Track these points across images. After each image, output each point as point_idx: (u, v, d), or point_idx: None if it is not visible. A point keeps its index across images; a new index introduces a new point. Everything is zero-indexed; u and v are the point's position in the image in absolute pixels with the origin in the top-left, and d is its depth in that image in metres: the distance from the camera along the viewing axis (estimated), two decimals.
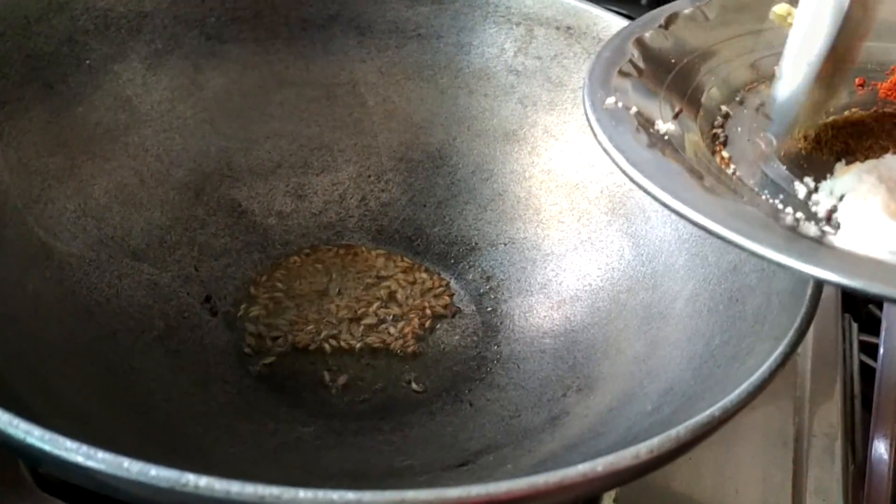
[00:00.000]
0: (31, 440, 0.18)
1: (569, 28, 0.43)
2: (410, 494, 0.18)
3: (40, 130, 0.35)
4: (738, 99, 0.32)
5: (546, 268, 0.40)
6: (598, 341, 0.35)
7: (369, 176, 0.44)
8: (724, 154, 0.29)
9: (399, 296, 0.40)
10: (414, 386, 0.36)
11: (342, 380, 0.36)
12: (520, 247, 0.42)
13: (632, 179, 0.26)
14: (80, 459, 0.18)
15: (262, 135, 0.43)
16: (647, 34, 0.33)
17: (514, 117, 0.44)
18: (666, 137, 0.28)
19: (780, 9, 0.36)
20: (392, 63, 0.45)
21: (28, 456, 0.19)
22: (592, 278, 0.39)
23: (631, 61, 0.32)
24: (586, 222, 0.41)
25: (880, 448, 0.39)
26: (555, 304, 0.39)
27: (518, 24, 0.44)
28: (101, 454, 0.18)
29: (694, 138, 0.29)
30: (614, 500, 0.32)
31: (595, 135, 0.28)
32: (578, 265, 0.40)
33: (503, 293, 0.40)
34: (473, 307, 0.40)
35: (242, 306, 0.39)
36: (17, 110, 0.34)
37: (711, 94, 0.32)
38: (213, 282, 0.39)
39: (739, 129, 0.31)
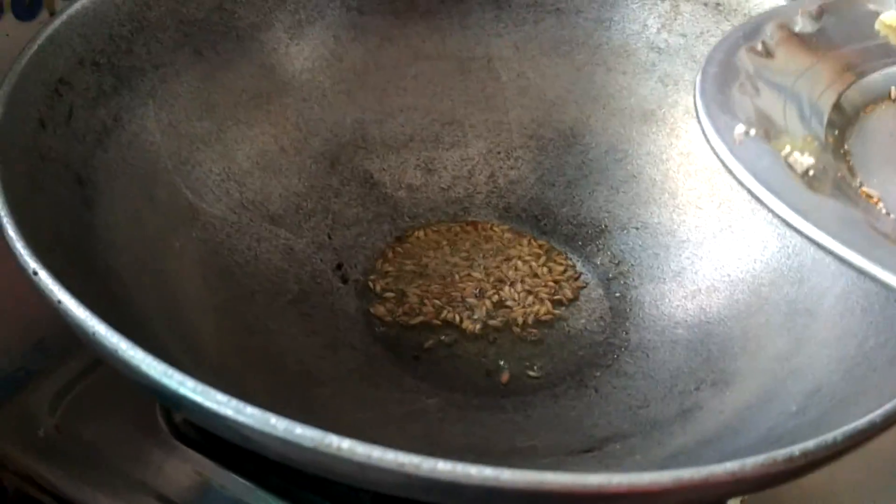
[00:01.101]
0: (183, 391, 0.19)
1: (718, 4, 0.41)
2: (550, 477, 0.17)
3: (190, 95, 0.37)
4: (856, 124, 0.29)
5: (681, 255, 0.39)
6: (736, 335, 0.34)
7: (499, 152, 0.44)
8: (869, 191, 0.25)
9: (526, 276, 0.40)
10: (534, 370, 0.36)
11: (466, 355, 0.36)
12: (653, 231, 0.40)
13: (810, 239, 0.21)
14: (229, 413, 0.19)
15: (396, 107, 0.43)
16: (756, 46, 0.29)
17: (653, 97, 0.42)
18: (811, 173, 0.24)
19: (889, 18, 0.32)
20: (528, 38, 0.44)
21: (178, 405, 0.20)
22: (731, 268, 0.37)
23: (749, 78, 0.28)
24: (727, 209, 0.39)
25: None
26: (689, 293, 0.37)
27: (663, 0, 0.42)
28: (249, 409, 0.19)
29: (837, 172, 0.25)
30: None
31: (739, 180, 0.24)
32: (717, 254, 0.38)
33: (633, 279, 0.39)
34: (601, 291, 0.39)
35: (372, 276, 0.39)
36: (170, 74, 0.36)
37: (832, 117, 0.28)
38: (345, 250, 0.40)
39: (872, 158, 0.27)
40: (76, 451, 0.35)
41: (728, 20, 0.41)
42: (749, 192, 0.23)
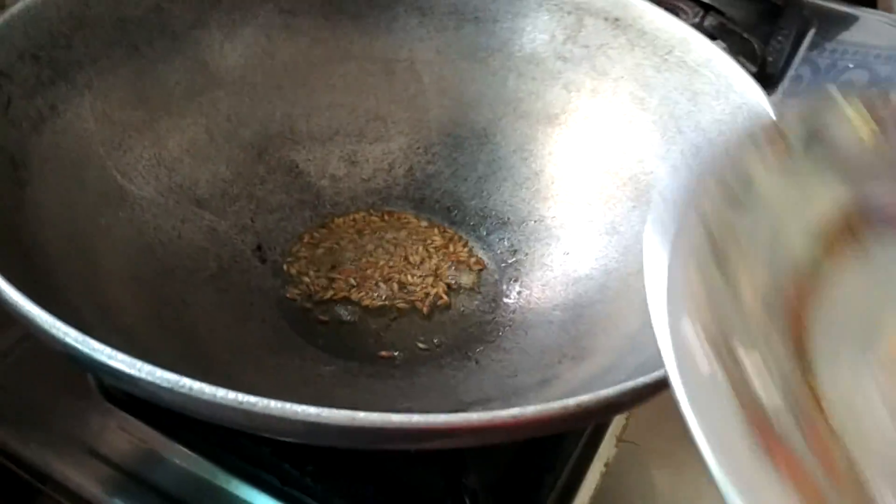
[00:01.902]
0: (68, 340, 0.23)
1: (616, 19, 0.45)
2: (360, 416, 0.21)
3: (125, 86, 0.40)
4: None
5: (569, 246, 0.43)
6: (601, 317, 0.38)
7: (418, 148, 0.48)
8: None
9: (430, 261, 0.44)
10: (426, 344, 0.40)
11: (367, 330, 0.40)
12: (548, 225, 0.44)
13: None
14: (104, 359, 0.23)
15: (324, 103, 0.47)
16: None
17: (557, 102, 0.46)
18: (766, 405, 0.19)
19: None
20: (449, 43, 0.48)
21: (75, 359, 0.24)
22: (608, 259, 0.41)
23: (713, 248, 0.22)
24: (612, 206, 0.43)
25: None
26: (571, 280, 0.41)
27: (569, 13, 0.46)
28: (121, 356, 0.22)
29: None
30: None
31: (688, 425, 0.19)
32: (598, 246, 0.42)
33: (526, 266, 0.43)
34: (497, 277, 0.43)
35: (289, 258, 0.43)
36: (106, 67, 0.39)
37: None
38: (266, 233, 0.44)
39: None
40: (15, 409, 0.39)
41: (624, 34, 0.45)
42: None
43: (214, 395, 0.22)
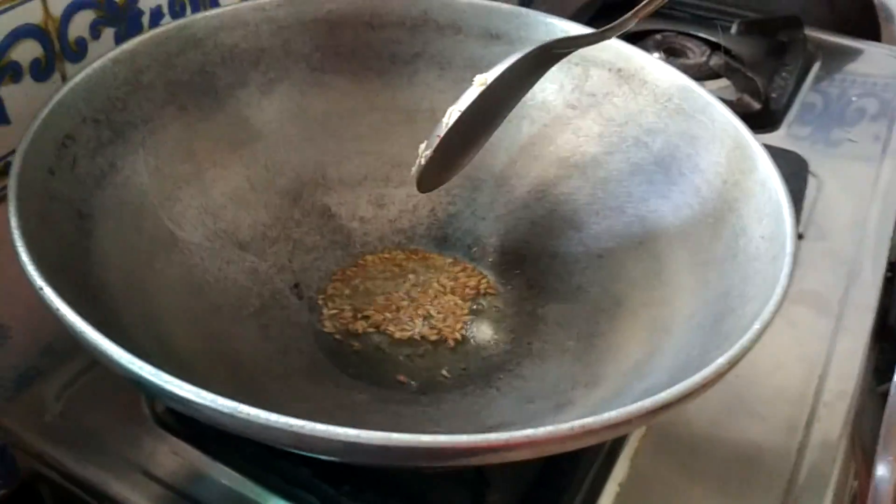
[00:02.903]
0: (143, 374, 0.27)
1: (619, 70, 0.48)
2: (395, 436, 0.25)
3: (174, 143, 0.44)
4: None
5: (582, 279, 0.46)
6: (612, 346, 0.41)
7: (440, 191, 0.51)
8: None
9: (454, 294, 0.47)
10: (450, 372, 0.43)
11: (396, 359, 0.43)
12: (562, 260, 0.48)
13: None
14: (175, 389, 0.26)
15: (353, 151, 0.51)
16: None
17: (567, 145, 0.50)
18: None
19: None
20: None
21: (140, 385, 0.28)
22: (617, 291, 0.44)
23: None
24: (620, 242, 0.46)
25: (883, 470, 0.43)
26: (585, 312, 0.44)
27: (577, 65, 0.50)
28: (187, 386, 0.26)
29: None
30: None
31: None
32: (608, 280, 0.45)
33: (542, 299, 0.46)
34: (515, 309, 0.47)
35: (323, 294, 0.47)
36: (158, 127, 0.43)
37: None
38: (302, 272, 0.47)
39: None
40: (77, 434, 0.43)
41: (627, 83, 0.48)
42: None
43: (268, 420, 0.25)
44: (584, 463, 0.41)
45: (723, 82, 0.73)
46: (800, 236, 0.55)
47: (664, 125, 0.46)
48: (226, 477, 0.41)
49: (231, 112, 0.47)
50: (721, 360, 0.29)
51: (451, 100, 0.52)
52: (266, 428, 0.25)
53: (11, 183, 0.33)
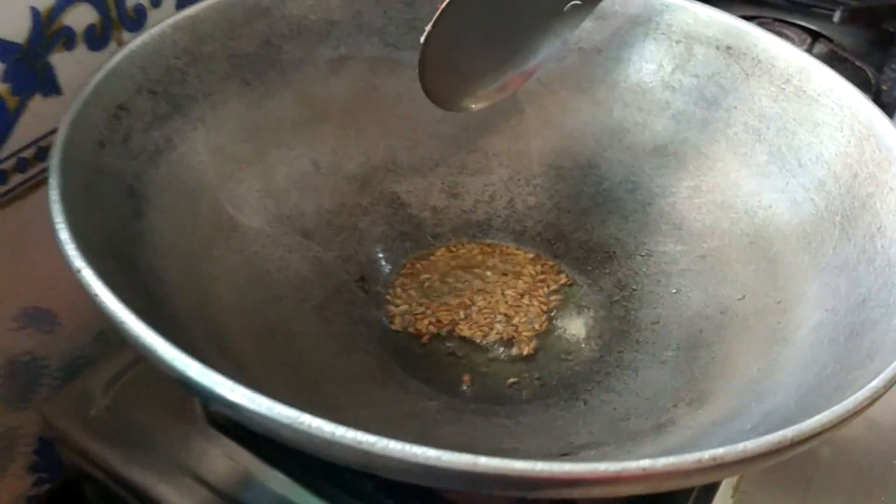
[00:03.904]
0: (189, 372, 0.23)
1: (728, 48, 0.43)
2: (482, 461, 0.20)
3: (236, 120, 0.41)
4: None
5: (680, 282, 0.41)
6: (719, 359, 0.36)
7: (519, 180, 0.47)
8: None
9: (534, 295, 0.42)
10: (529, 382, 0.38)
11: (470, 364, 0.39)
12: (657, 259, 0.43)
13: None
14: (225, 393, 0.22)
15: (426, 135, 0.47)
16: None
17: (665, 132, 0.45)
18: None
19: None
20: (552, 74, 0.47)
21: (186, 385, 0.24)
22: (724, 298, 0.39)
23: None
24: (727, 241, 0.41)
25: None
26: (683, 319, 0.39)
27: (678, 42, 0.45)
28: (241, 389, 0.22)
29: None
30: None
31: None
32: (713, 283, 0.40)
33: (634, 302, 0.42)
34: (604, 313, 0.42)
35: (391, 289, 0.43)
36: (219, 101, 0.40)
37: None
38: (369, 264, 0.43)
39: None
40: (124, 431, 0.40)
41: (738, 63, 0.43)
42: None
43: (334, 434, 0.21)
44: (678, 498, 0.36)
45: None
46: None
47: (781, 110, 0.41)
48: (280, 485, 0.38)
49: (297, 89, 0.44)
50: (876, 384, 0.24)
51: (534, 80, 0.47)
52: (331, 443, 0.21)
53: (55, 152, 0.30)
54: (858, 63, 0.64)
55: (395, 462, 0.21)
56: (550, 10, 0.39)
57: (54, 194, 0.28)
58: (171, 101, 0.38)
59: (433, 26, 0.35)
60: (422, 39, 0.36)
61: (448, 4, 0.35)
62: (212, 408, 0.24)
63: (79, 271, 0.26)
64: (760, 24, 0.74)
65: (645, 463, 0.21)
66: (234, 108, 0.41)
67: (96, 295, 0.25)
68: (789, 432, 0.22)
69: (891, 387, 0.25)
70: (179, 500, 0.37)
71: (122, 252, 0.31)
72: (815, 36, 0.72)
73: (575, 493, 0.22)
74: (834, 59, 0.66)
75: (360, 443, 0.21)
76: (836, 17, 0.73)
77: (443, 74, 0.36)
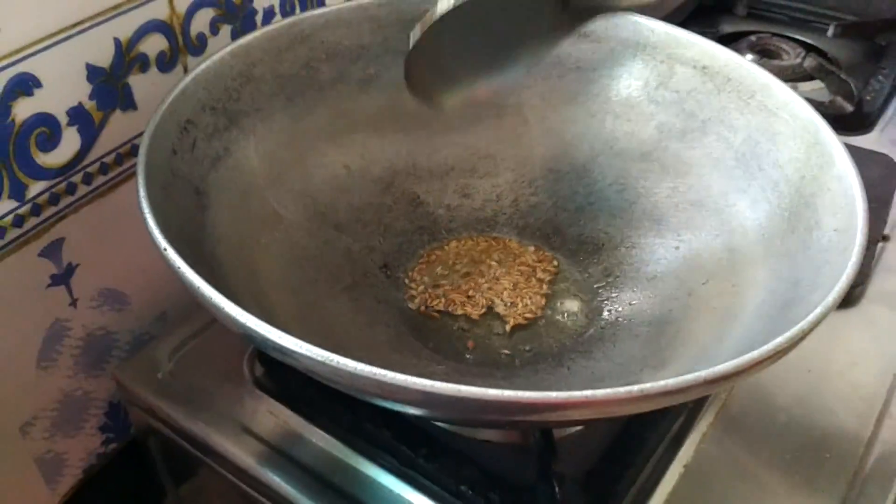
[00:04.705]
0: (251, 324, 0.30)
1: (704, 67, 0.50)
2: (464, 388, 0.28)
3: (280, 131, 0.48)
4: None
5: (657, 268, 0.48)
6: (682, 332, 0.42)
7: (523, 182, 0.54)
8: None
9: (532, 280, 0.50)
10: (522, 352, 0.45)
11: (475, 336, 0.46)
12: (639, 250, 0.49)
13: None
14: (275, 339, 0.30)
15: (443, 143, 0.54)
16: None
17: (650, 141, 0.51)
18: None
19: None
20: (553, 90, 0.54)
21: (250, 339, 0.31)
22: (693, 283, 0.45)
23: None
24: (697, 235, 0.47)
25: None
26: (658, 300, 0.46)
27: (662, 62, 0.51)
28: (288, 337, 0.30)
29: None
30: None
31: None
32: (684, 270, 0.47)
33: (618, 286, 0.48)
34: (591, 295, 0.49)
35: (409, 274, 0.50)
36: (267, 116, 0.48)
37: None
38: (391, 253, 0.51)
39: None
40: (185, 392, 0.48)
41: (712, 80, 0.49)
42: None
43: (356, 369, 0.28)
44: (650, 443, 0.43)
45: (816, 84, 0.73)
46: (885, 238, 0.55)
47: (746, 121, 0.47)
48: (316, 437, 0.45)
49: (332, 104, 0.51)
50: (780, 340, 0.31)
51: (538, 95, 0.54)
52: (353, 376, 0.28)
53: (140, 159, 0.38)
54: (843, 76, 0.70)
55: (400, 390, 0.28)
56: (518, 42, 0.46)
57: (142, 191, 0.36)
58: (227, 116, 0.46)
59: (420, 36, 0.42)
60: (410, 44, 0.43)
61: (435, 22, 0.42)
62: (269, 354, 0.31)
63: (165, 249, 0.33)
64: (759, 38, 0.81)
65: (587, 392, 0.28)
66: (279, 121, 0.48)
67: (179, 268, 0.33)
68: (703, 373, 0.29)
69: (794, 345, 0.31)
70: (232, 448, 0.45)
71: (191, 239, 0.39)
72: (809, 49, 0.78)
73: (535, 417, 0.29)
74: (822, 72, 0.72)
75: (375, 374, 0.28)
76: (831, 31, 0.79)
77: (423, 75, 0.43)
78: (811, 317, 0.32)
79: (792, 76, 0.74)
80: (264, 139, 0.47)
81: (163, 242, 0.34)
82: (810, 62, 0.73)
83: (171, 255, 0.33)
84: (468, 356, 0.45)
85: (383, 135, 0.53)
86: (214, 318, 0.33)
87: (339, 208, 0.50)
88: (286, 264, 0.45)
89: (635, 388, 0.28)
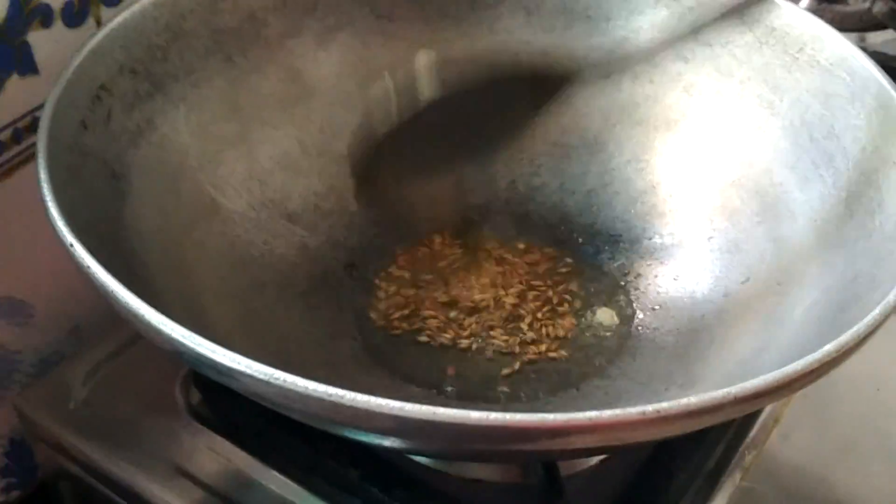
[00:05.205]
0: (174, 335, 0.31)
1: (742, 14, 0.50)
2: (440, 411, 0.28)
3: (219, 98, 0.48)
4: None
5: (687, 267, 0.49)
6: (717, 341, 0.43)
7: (521, 158, 0.54)
8: None
9: (532, 293, 0.50)
10: (521, 377, 0.46)
11: (456, 359, 0.47)
12: (664, 243, 0.50)
13: None
14: (208, 353, 0.30)
15: None
16: None
17: (677, 106, 0.52)
18: None
19: None
20: (556, 45, 0.54)
21: (173, 349, 0.32)
22: (729, 281, 0.46)
23: None
24: (736, 222, 0.48)
25: None
26: (687, 304, 0.47)
27: (691, 8, 0.52)
28: (222, 350, 0.30)
29: None
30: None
31: None
32: (720, 267, 0.47)
33: (639, 288, 0.49)
34: (605, 301, 0.49)
35: (380, 277, 0.50)
36: (201, 79, 0.48)
37: None
38: (360, 250, 0.51)
39: None
40: (104, 424, 0.48)
41: (752, 31, 0.50)
42: None
43: (307, 388, 0.29)
44: (680, 480, 0.43)
45: (888, 34, 0.74)
46: None
47: (794, 81, 0.47)
48: (267, 478, 0.45)
49: (282, 65, 0.51)
50: (828, 348, 0.31)
51: (539, 50, 0.55)
52: (306, 398, 0.29)
53: (41, 135, 0.38)
54: None
55: (363, 414, 0.29)
56: None
57: (43, 174, 0.36)
58: (152, 81, 0.46)
59: None
60: None
61: None
62: (200, 370, 0.32)
63: (72, 245, 0.34)
64: None
65: (591, 413, 0.28)
66: (216, 87, 0.48)
67: (88, 268, 0.33)
68: (733, 389, 0.30)
69: (846, 354, 0.32)
70: (162, 494, 0.45)
71: (106, 233, 0.39)
72: None
73: (530, 446, 0.30)
74: (895, 20, 0.72)
75: (331, 395, 0.29)
76: None
77: None
78: (868, 318, 0.32)
79: (858, 24, 0.75)
80: (198, 109, 0.48)
81: (69, 237, 0.34)
82: (880, 7, 0.73)
83: (79, 251, 0.34)
84: (448, 387, 0.46)
85: (347, 102, 0.53)
86: (138, 333, 0.33)
87: (292, 194, 0.51)
88: (227, 265, 0.46)
89: (650, 407, 0.29)
